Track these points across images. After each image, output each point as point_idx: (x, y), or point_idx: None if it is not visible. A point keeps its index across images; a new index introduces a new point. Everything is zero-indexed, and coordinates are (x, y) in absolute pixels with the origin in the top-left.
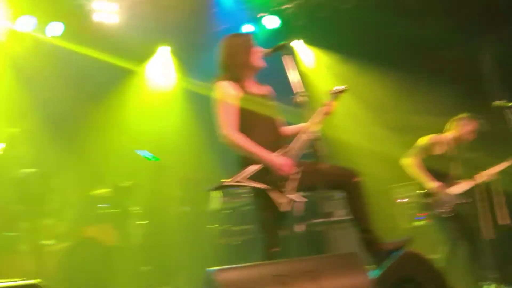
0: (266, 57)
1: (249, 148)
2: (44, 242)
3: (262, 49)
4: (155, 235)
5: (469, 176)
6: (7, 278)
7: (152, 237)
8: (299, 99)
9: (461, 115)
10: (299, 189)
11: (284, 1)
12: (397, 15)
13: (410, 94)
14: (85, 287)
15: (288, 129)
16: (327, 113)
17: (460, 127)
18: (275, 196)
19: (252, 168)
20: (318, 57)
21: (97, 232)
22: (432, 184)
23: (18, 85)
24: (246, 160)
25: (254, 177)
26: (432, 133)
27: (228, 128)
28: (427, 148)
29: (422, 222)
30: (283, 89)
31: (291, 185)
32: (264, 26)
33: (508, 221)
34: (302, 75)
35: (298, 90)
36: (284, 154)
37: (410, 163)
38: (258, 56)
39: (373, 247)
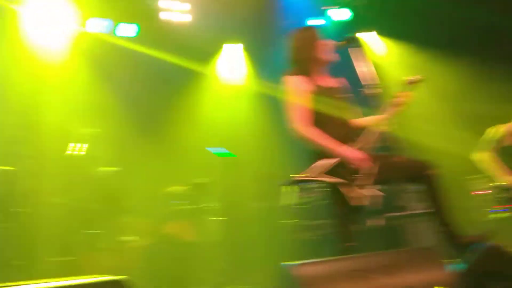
0: (338, 49)
1: (321, 142)
2: (124, 239)
3: (331, 42)
4: (230, 231)
5: None
6: (90, 274)
7: (228, 233)
8: (370, 91)
9: None
10: (374, 182)
11: None
12: (472, 1)
13: (484, 83)
14: (165, 283)
15: (361, 122)
16: (401, 104)
17: None
18: (350, 190)
19: (326, 162)
20: (391, 48)
21: (176, 229)
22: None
23: (97, 87)
24: (319, 154)
25: (328, 171)
26: (506, 122)
27: (300, 122)
28: (501, 140)
29: (500, 215)
30: (356, 81)
31: (366, 179)
32: (333, 19)
33: None
34: (373, 67)
35: (369, 82)
36: (357, 147)
37: (483, 158)
38: (325, 49)
39: (454, 240)
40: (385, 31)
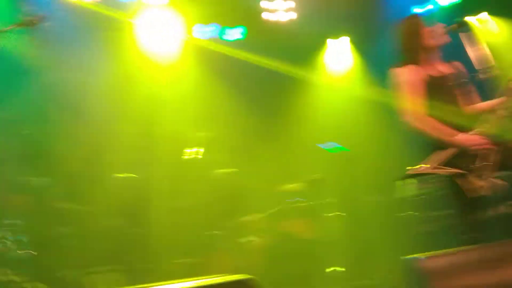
0: (449, 34)
1: (436, 132)
2: (244, 239)
3: (440, 26)
4: (349, 226)
5: None
6: (214, 274)
7: (346, 229)
8: (485, 75)
9: None
10: (496, 169)
11: None
12: None
13: None
14: (287, 281)
15: (478, 108)
16: None
17: None
18: (467, 182)
19: (442, 154)
20: (504, 28)
21: (294, 227)
22: None
23: (209, 91)
24: (434, 145)
25: (445, 162)
26: None
27: (412, 114)
28: None
29: None
30: (470, 67)
31: (488, 167)
32: (440, 3)
33: None
34: (487, 50)
35: (484, 66)
36: (476, 134)
37: None
38: (433, 35)
39: None
40: (496, 11)
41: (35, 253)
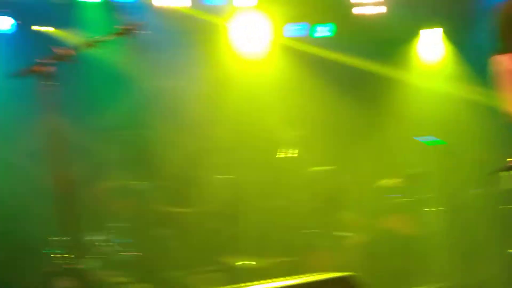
0: None
1: None
2: (343, 236)
3: None
4: (448, 220)
5: None
6: (313, 273)
7: (446, 223)
8: None
9: None
10: None
11: None
12: None
13: None
14: (388, 278)
15: None
16: None
17: None
18: None
19: None
20: None
21: (394, 223)
22: None
23: (301, 90)
24: None
25: None
26: None
27: None
28: None
29: None
30: None
31: None
32: None
33: None
34: None
35: None
36: None
37: None
38: None
39: None
40: None
41: (140, 255)
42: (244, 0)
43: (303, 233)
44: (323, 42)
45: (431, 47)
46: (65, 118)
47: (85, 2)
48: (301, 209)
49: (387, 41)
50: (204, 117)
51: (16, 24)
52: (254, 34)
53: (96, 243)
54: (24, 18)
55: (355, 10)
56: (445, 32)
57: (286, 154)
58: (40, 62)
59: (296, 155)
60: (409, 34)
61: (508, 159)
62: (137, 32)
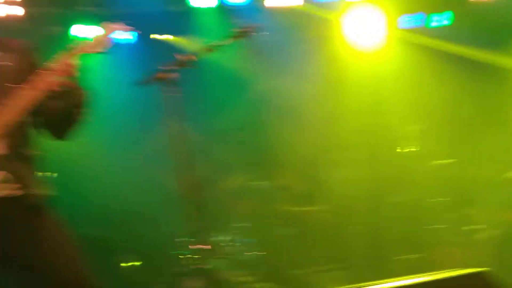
0: None
1: None
2: (471, 231)
3: None
4: None
5: None
6: (440, 270)
7: None
8: None
9: None
10: None
11: None
12: None
13: None
14: None
15: None
16: None
17: None
18: None
19: None
20: None
21: None
22: None
23: (418, 83)
24: None
25: None
26: None
27: None
28: None
29: None
30: None
31: None
32: None
33: None
34: None
35: None
36: None
37: None
38: None
39: None
40: None
41: (264, 254)
42: None
43: (430, 229)
44: (441, 32)
45: None
46: (186, 122)
47: (201, 9)
48: (426, 204)
49: (508, 27)
50: (322, 115)
51: (136, 34)
52: (368, 28)
53: (222, 244)
54: (143, 27)
55: None
56: None
57: (407, 148)
58: (163, 69)
59: (417, 149)
60: None
61: None
62: (253, 34)
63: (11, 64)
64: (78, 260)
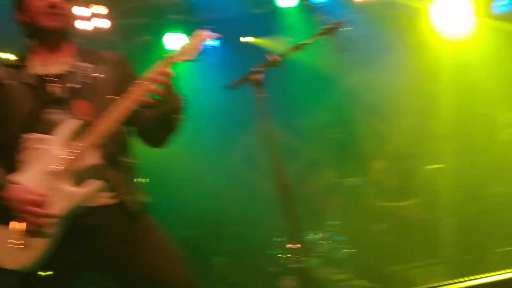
0: None
1: None
2: None
3: None
4: None
5: None
6: None
7: None
8: None
9: None
10: None
11: None
12: None
13: None
14: None
15: None
16: None
17: None
18: None
19: None
20: None
21: None
22: None
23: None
24: None
25: None
26: None
27: None
28: None
29: None
30: None
31: None
32: None
33: None
34: None
35: None
36: None
37: None
38: None
39: None
40: None
41: (357, 251)
42: None
43: None
44: None
45: None
46: (275, 122)
47: (284, 8)
48: None
49: None
50: (413, 106)
51: (221, 37)
52: (458, 14)
53: (315, 242)
54: (229, 31)
55: None
56: None
57: (504, 137)
58: (251, 71)
59: None
60: None
61: None
62: (339, 30)
63: (105, 76)
64: (180, 263)
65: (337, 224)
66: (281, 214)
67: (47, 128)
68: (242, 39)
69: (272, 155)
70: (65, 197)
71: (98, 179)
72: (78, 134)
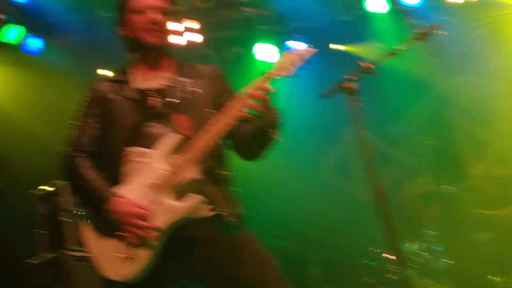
0: None
1: None
2: None
3: None
4: None
5: None
6: None
7: None
8: None
9: None
10: None
11: None
12: None
13: None
14: None
15: None
16: None
17: None
18: None
19: None
20: None
21: None
22: None
23: None
24: None
25: None
26: None
27: None
28: None
29: None
30: None
31: None
32: None
33: None
34: None
35: None
36: None
37: None
38: None
39: None
40: None
41: (456, 261)
42: None
43: None
44: None
45: None
46: (370, 128)
47: (374, 14)
48: None
49: None
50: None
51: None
52: None
53: (412, 252)
54: (317, 39)
55: None
56: None
57: None
58: (345, 79)
59: None
60: None
61: None
62: (433, 34)
63: (203, 90)
64: (279, 274)
65: (435, 234)
66: (376, 223)
67: (149, 141)
68: (332, 46)
69: (366, 163)
70: (166, 210)
71: (198, 193)
72: (178, 148)
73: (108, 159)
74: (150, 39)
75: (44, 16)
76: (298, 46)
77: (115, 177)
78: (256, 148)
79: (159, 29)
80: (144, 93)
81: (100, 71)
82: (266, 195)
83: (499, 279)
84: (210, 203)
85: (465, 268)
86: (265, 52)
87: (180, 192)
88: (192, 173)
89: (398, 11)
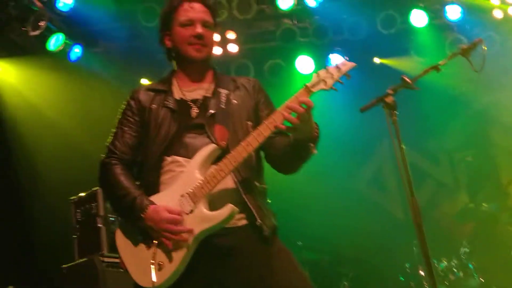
0: None
1: None
2: None
3: None
4: None
5: None
6: None
7: None
8: None
9: None
10: None
11: None
12: None
13: None
14: None
15: None
16: None
17: None
18: None
19: None
20: None
21: None
22: None
23: None
24: None
25: None
26: None
27: None
28: None
29: None
30: None
31: None
32: None
33: None
34: None
35: None
36: None
37: None
38: None
39: None
40: None
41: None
42: None
43: None
44: None
45: None
46: (408, 144)
47: (414, 28)
48: None
49: None
50: None
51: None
52: None
53: (447, 269)
54: (357, 52)
55: None
56: None
57: None
58: (385, 93)
59: None
60: None
61: None
62: (477, 48)
63: (241, 101)
64: (310, 286)
65: (470, 251)
66: (412, 239)
67: (187, 151)
68: (375, 60)
69: (403, 178)
70: (201, 219)
71: (233, 203)
72: (215, 158)
73: (146, 167)
74: (194, 53)
75: (86, 24)
76: (339, 59)
77: (152, 185)
78: (293, 161)
79: (203, 43)
80: (184, 104)
81: (143, 80)
82: (300, 207)
83: None
84: (244, 213)
85: (501, 286)
86: (305, 64)
87: (215, 201)
88: (228, 183)
89: (438, 25)
